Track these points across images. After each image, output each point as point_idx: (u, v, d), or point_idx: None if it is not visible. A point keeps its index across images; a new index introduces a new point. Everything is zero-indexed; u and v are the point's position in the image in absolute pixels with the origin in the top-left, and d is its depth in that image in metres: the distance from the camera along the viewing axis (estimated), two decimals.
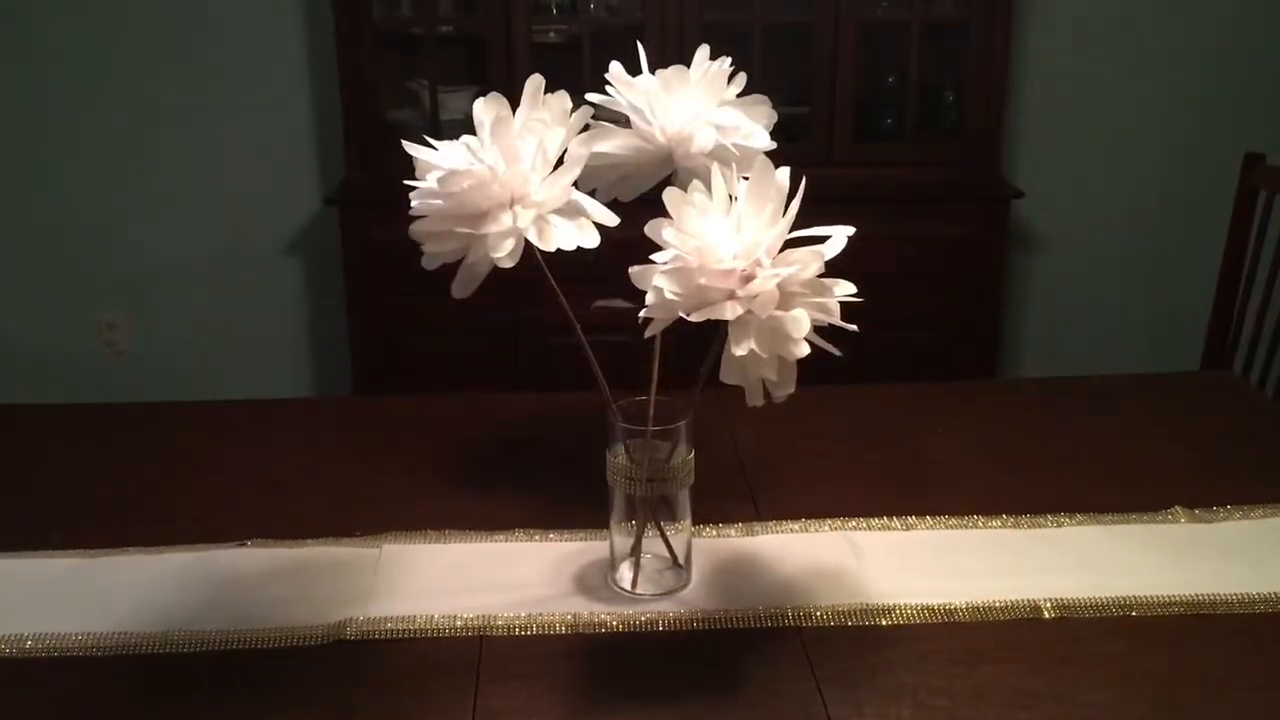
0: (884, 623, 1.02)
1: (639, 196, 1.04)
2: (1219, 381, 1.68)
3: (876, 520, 1.18)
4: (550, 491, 1.24)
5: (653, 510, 1.06)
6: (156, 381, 3.05)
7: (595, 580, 1.07)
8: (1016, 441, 1.38)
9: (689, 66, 1.02)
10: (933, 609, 1.03)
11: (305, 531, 1.16)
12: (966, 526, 1.18)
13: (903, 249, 2.58)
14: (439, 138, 0.94)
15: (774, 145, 1.03)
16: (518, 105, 0.94)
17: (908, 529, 1.17)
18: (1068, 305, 3.06)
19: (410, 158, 0.94)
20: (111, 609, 1.03)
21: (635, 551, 1.07)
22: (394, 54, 2.66)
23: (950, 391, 1.56)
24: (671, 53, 2.43)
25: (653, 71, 1.02)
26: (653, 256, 0.90)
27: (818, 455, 1.34)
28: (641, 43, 1.02)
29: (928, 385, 1.62)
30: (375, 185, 2.56)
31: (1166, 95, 2.91)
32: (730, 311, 0.88)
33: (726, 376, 0.91)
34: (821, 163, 2.59)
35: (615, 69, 1.04)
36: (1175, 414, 1.46)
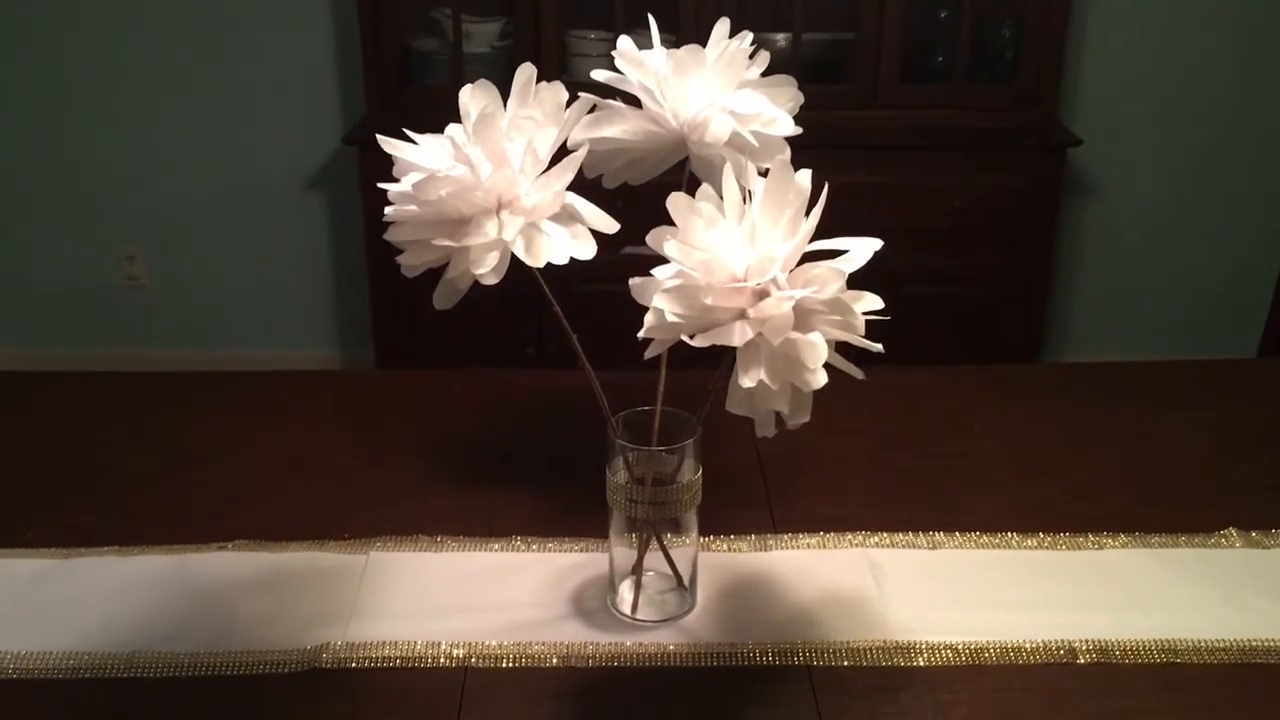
0: (902, 663, 0.93)
1: None
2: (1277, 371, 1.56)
3: (901, 536, 1.09)
4: (558, 488, 1.16)
5: (656, 529, 0.98)
6: (175, 314, 3.02)
7: (593, 602, 1.00)
8: (1058, 442, 1.27)
9: None
10: (956, 649, 0.94)
11: (293, 530, 1.09)
12: (999, 546, 1.09)
13: (950, 199, 2.44)
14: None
15: (799, 130, 0.93)
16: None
17: (934, 547, 1.08)
18: (1125, 262, 2.90)
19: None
20: (77, 623, 0.96)
21: (636, 572, 0.99)
22: None
23: (989, 379, 1.46)
24: None
25: (671, 39, 0.91)
26: (654, 271, 0.81)
27: (842, 454, 1.24)
28: None
29: (964, 370, 1.51)
30: (394, 122, 2.45)
31: (1238, 37, 2.71)
32: (739, 336, 0.79)
33: (733, 406, 0.82)
34: (866, 104, 2.44)
35: (623, 44, 0.93)
36: (1231, 412, 1.34)
